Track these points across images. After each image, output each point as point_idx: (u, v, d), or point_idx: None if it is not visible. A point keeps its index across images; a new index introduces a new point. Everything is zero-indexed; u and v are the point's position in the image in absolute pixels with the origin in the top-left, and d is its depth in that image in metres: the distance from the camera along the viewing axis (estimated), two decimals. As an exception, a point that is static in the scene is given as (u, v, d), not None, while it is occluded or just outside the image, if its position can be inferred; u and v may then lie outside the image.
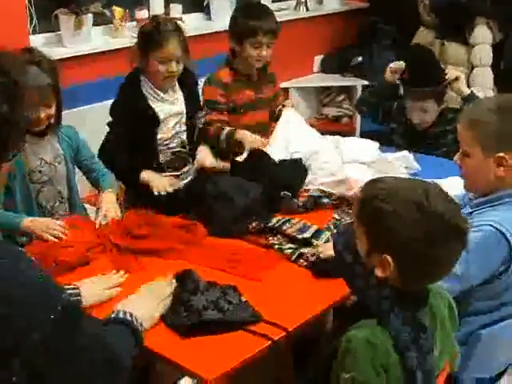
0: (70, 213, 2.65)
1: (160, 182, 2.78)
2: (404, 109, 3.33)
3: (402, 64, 3.26)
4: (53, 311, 1.20)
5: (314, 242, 2.27)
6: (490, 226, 1.94)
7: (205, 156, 2.98)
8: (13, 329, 1.16)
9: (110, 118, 2.97)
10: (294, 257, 2.23)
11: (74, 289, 1.90)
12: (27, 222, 2.35)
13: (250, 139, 3.04)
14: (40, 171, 2.53)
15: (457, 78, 3.17)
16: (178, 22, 3.03)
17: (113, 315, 1.67)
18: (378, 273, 1.52)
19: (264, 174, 2.67)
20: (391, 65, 3.30)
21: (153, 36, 2.87)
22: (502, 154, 1.99)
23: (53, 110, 2.47)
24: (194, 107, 3.07)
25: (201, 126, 3.07)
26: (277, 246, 2.29)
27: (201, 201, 2.54)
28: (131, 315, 1.67)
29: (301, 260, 2.21)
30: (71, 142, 2.65)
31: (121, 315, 1.66)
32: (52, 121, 2.50)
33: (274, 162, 2.79)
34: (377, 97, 3.43)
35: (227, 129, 3.16)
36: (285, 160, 2.82)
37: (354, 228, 1.59)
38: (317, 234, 2.32)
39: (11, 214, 2.42)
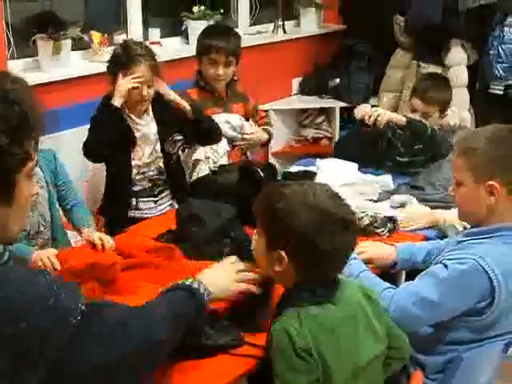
0: (53, 238, 2.64)
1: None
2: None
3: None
4: (77, 313, 1.23)
5: None
6: (474, 260, 1.92)
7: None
8: (32, 345, 1.16)
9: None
10: None
11: None
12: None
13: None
14: None
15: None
16: (149, 47, 3.04)
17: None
18: (276, 268, 1.66)
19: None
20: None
21: (121, 60, 2.88)
22: (492, 183, 1.98)
23: None
24: (169, 130, 3.06)
25: (173, 152, 3.06)
26: None
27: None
28: (199, 284, 1.68)
29: None
30: (51, 166, 2.64)
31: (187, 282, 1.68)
32: None
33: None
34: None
35: None
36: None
37: (256, 231, 1.77)
38: None
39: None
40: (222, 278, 1.79)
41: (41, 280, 1.21)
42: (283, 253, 1.63)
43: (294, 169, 3.25)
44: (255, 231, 1.77)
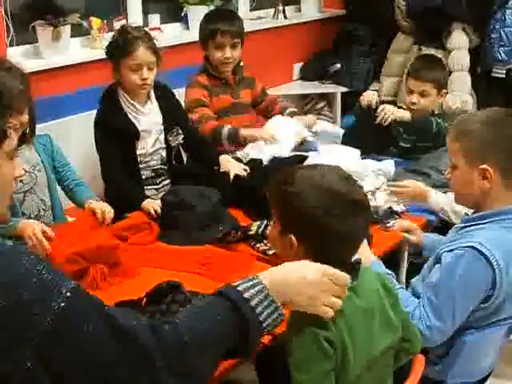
0: (54, 221, 2.65)
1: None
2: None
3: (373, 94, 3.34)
4: (61, 298, 1.16)
5: None
6: (473, 248, 1.91)
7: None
8: (22, 317, 1.13)
9: (92, 136, 2.96)
10: None
11: None
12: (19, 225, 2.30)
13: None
14: (21, 181, 2.51)
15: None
16: (148, 31, 3.03)
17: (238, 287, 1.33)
18: (289, 253, 1.62)
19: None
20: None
21: (120, 44, 2.87)
22: (484, 166, 1.97)
23: (26, 118, 2.44)
24: (172, 121, 3.05)
25: (174, 144, 3.06)
26: (271, 252, 2.27)
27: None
28: (264, 299, 1.33)
29: None
30: (48, 150, 2.64)
31: (245, 294, 1.31)
32: (27, 130, 2.50)
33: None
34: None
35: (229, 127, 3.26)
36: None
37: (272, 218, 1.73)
38: None
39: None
40: (306, 293, 1.41)
41: (25, 257, 1.18)
42: (293, 237, 1.61)
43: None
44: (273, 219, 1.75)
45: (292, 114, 3.61)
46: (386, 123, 3.18)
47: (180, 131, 3.06)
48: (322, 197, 1.57)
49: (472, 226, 2.04)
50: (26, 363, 1.12)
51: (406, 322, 1.79)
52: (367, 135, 3.32)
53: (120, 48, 2.86)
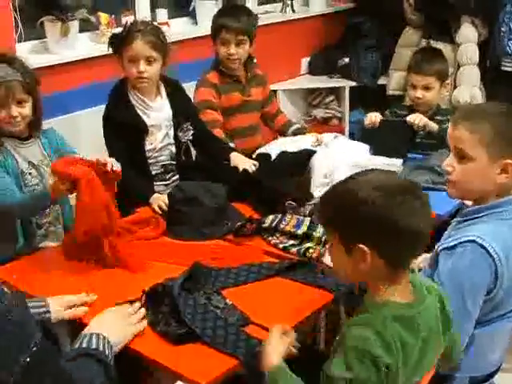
0: (62, 216, 2.66)
1: (246, 163, 2.95)
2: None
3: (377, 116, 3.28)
4: (27, 352, 1.21)
5: (313, 234, 2.29)
6: (472, 242, 1.89)
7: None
8: None
9: (101, 131, 2.97)
10: (301, 251, 2.25)
11: (43, 303, 1.89)
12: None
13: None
14: (30, 173, 2.53)
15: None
16: (157, 26, 3.02)
17: (84, 344, 1.63)
18: (362, 267, 1.52)
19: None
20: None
21: (121, 35, 2.87)
22: (509, 161, 1.93)
23: (27, 110, 2.45)
24: (182, 117, 3.05)
25: (184, 140, 3.06)
26: (281, 246, 2.30)
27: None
28: (103, 341, 1.65)
29: (307, 254, 2.24)
30: (53, 143, 2.65)
31: (93, 345, 1.63)
32: (32, 124, 2.51)
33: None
34: None
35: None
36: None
37: (329, 247, 1.66)
38: (311, 226, 2.34)
39: None
40: (119, 326, 1.79)
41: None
42: (362, 245, 1.51)
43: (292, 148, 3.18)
44: (328, 246, 1.71)
45: (298, 132, 3.56)
46: (421, 124, 3.14)
47: (190, 127, 3.06)
48: (381, 191, 1.50)
49: (470, 219, 2.02)
50: None
51: (454, 344, 1.79)
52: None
53: (120, 39, 2.86)
